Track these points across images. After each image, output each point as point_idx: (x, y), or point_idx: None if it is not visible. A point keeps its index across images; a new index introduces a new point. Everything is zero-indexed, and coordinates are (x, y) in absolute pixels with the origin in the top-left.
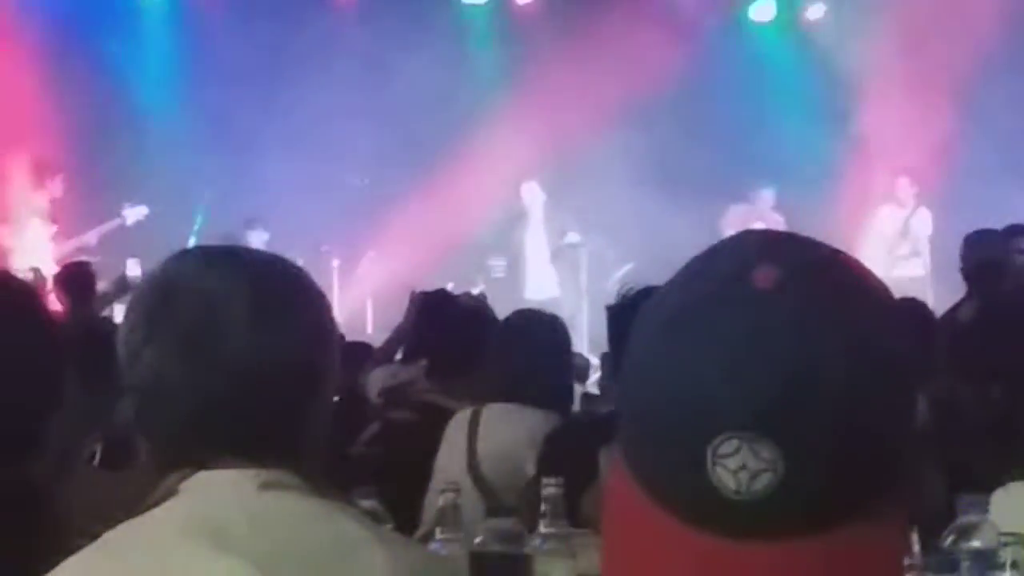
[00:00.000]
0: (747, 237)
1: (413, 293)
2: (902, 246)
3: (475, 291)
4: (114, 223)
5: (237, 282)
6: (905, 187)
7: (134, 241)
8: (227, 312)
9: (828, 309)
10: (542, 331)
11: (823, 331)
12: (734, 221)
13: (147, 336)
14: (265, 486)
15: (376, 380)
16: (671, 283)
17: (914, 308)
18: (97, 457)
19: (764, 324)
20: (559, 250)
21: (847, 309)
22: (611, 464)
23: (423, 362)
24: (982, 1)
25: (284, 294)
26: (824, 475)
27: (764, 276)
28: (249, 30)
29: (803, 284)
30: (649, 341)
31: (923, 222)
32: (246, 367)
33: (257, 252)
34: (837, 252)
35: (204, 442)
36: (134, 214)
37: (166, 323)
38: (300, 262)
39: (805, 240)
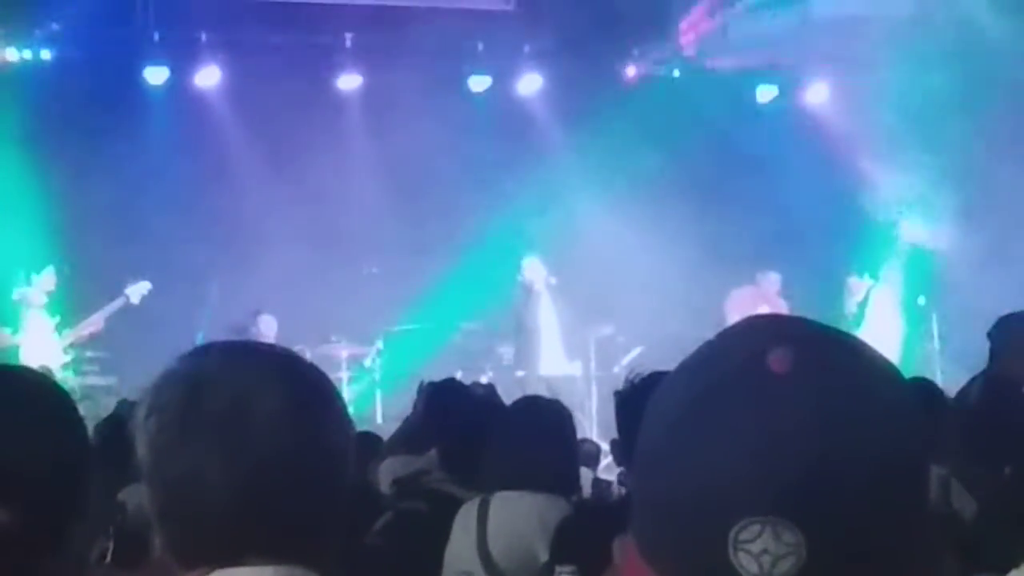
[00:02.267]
0: (759, 321)
1: (421, 383)
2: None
3: (484, 379)
4: (118, 302)
5: (265, 376)
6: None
7: (143, 331)
8: (260, 406)
9: (844, 392)
10: (544, 417)
11: (841, 415)
12: (738, 304)
13: (181, 432)
14: None
15: (388, 471)
16: (682, 369)
17: (923, 388)
18: (109, 555)
19: (782, 408)
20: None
21: (862, 392)
22: (624, 552)
23: (433, 452)
24: (984, 76)
25: (308, 387)
26: (846, 558)
27: (779, 360)
28: (254, 119)
29: (818, 367)
30: (664, 428)
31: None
32: (279, 460)
33: (270, 346)
34: (847, 335)
35: (230, 538)
36: (137, 291)
37: (200, 419)
38: (308, 353)
39: (815, 324)
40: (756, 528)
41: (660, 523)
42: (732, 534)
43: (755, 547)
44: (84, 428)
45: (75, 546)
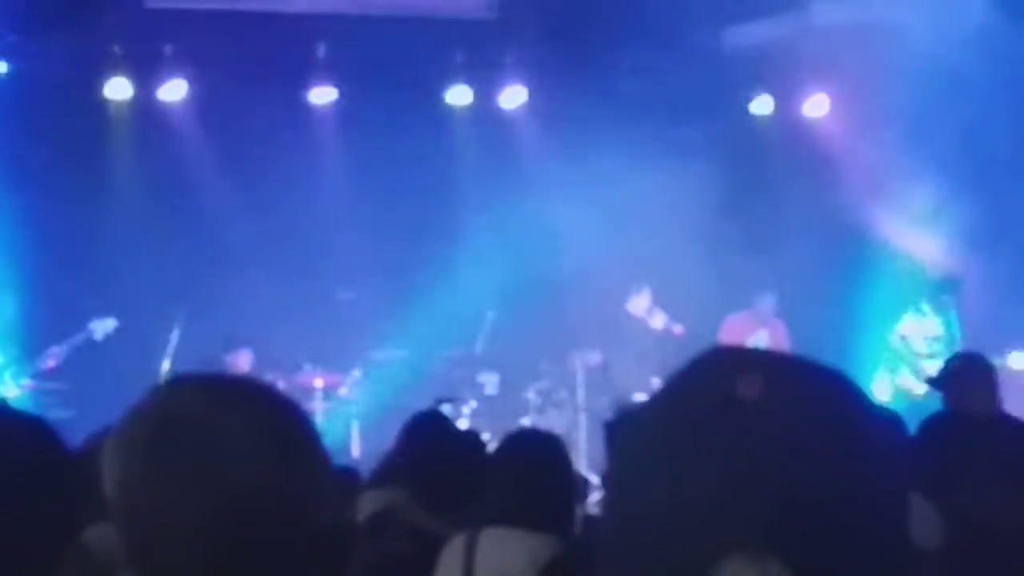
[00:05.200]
0: (723, 352)
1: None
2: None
3: (466, 408)
4: (81, 336)
5: (236, 410)
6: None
7: (105, 361)
8: (231, 440)
9: (816, 416)
10: (542, 451)
11: (814, 438)
12: (733, 331)
13: (152, 468)
14: None
15: (364, 504)
16: (649, 403)
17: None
18: None
19: (755, 437)
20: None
21: (834, 416)
22: None
23: (400, 487)
24: (986, 93)
25: (281, 420)
26: None
27: (748, 386)
28: (222, 136)
29: (787, 392)
30: (634, 466)
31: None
32: (252, 497)
33: (241, 378)
34: (813, 361)
35: None
36: (102, 327)
37: (171, 454)
38: (281, 383)
39: (780, 353)
40: (738, 563)
41: (637, 566)
42: (715, 572)
43: None
44: (74, 467)
45: None
